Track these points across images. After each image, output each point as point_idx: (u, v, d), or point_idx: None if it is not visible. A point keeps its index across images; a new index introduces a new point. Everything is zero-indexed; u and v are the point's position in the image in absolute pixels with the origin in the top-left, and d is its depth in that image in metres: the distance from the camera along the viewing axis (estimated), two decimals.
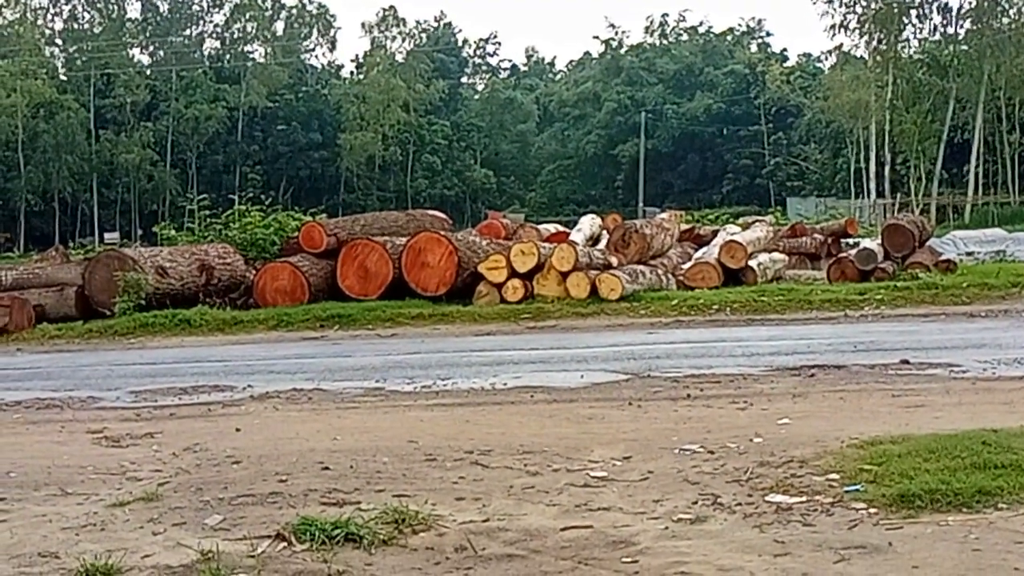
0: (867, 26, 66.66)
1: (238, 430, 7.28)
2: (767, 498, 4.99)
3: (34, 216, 75.62)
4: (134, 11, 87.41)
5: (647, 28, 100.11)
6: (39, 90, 74.00)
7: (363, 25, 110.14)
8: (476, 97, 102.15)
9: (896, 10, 65.80)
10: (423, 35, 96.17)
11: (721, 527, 4.61)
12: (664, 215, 23.02)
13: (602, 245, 18.67)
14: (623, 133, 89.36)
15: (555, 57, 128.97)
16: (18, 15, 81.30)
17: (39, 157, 74.54)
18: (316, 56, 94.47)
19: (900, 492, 4.79)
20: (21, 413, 8.69)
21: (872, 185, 64.30)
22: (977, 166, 63.60)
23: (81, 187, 77.80)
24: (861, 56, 69.98)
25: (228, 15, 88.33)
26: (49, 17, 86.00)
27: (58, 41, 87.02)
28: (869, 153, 65.81)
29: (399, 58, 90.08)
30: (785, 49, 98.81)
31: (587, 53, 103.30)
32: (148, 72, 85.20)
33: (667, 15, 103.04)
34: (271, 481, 5.69)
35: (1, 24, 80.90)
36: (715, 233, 21.25)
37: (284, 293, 16.76)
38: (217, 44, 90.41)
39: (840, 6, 66.96)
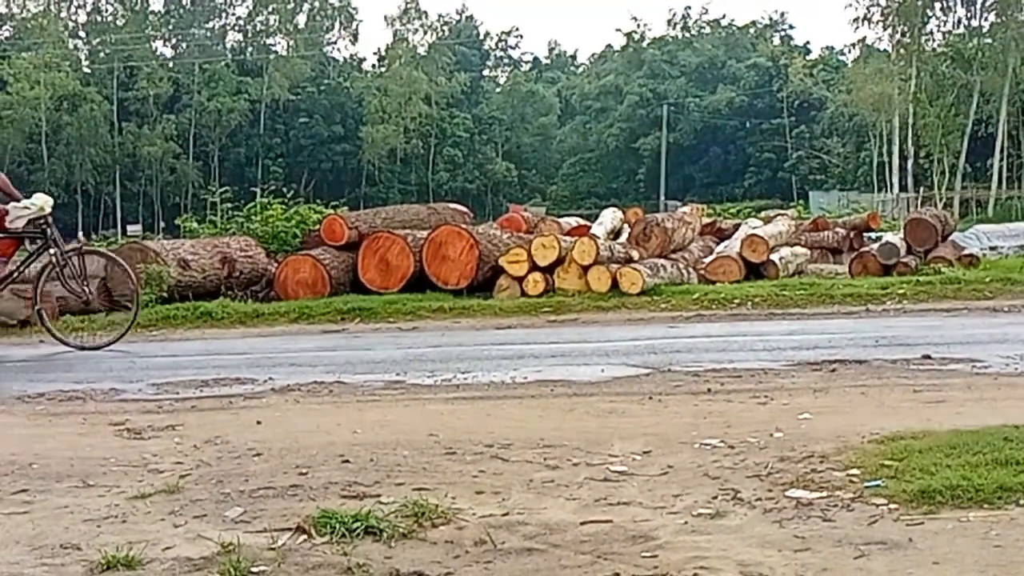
0: (890, 19, 66.50)
1: (259, 423, 7.30)
2: (787, 493, 4.98)
3: (57, 208, 75.24)
4: (157, 3, 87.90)
5: (669, 21, 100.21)
6: (62, 82, 74.43)
7: (385, 18, 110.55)
8: (498, 90, 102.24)
9: (920, 3, 65.58)
10: (445, 28, 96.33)
11: (741, 522, 4.61)
12: (686, 209, 23.01)
13: (623, 239, 18.65)
14: (645, 126, 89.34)
15: (577, 50, 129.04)
16: (42, 7, 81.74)
17: (62, 149, 74.97)
18: (338, 49, 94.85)
19: (921, 488, 4.77)
20: (44, 405, 8.73)
21: (895, 179, 64.13)
22: (1001, 160, 63.36)
23: (104, 179, 78.22)
24: (884, 49, 69.85)
25: (251, 8, 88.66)
26: (73, 9, 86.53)
27: (81, 34, 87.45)
28: (892, 147, 65.63)
29: (421, 51, 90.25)
30: (808, 42, 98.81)
31: (609, 46, 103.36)
32: (171, 64, 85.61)
33: (689, 8, 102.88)
34: (291, 474, 5.71)
35: (25, 17, 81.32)
36: (737, 227, 21.22)
37: (305, 286, 16.80)
38: (239, 37, 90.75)
39: None
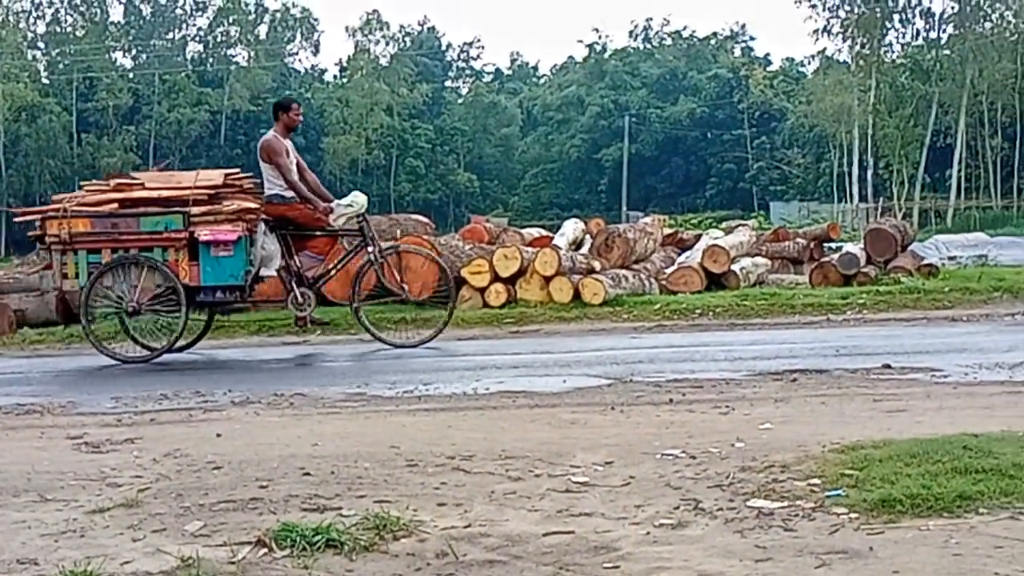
0: (850, 30, 67.05)
1: (219, 436, 7.25)
2: (749, 503, 4.99)
3: (16, 220, 75.45)
4: (117, 14, 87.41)
5: (631, 33, 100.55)
6: (21, 93, 73.88)
7: (346, 29, 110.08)
8: (460, 101, 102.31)
9: (879, 15, 66.17)
10: (407, 39, 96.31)
11: (702, 532, 4.61)
12: (647, 219, 23.02)
13: (585, 249, 18.65)
14: (607, 137, 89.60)
15: (539, 61, 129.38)
16: (0, 18, 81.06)
17: (20, 160, 74.43)
18: (299, 60, 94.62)
19: (881, 497, 4.79)
20: (0, 419, 8.64)
21: (855, 189, 64.61)
22: (959, 171, 63.96)
23: (63, 190, 76.91)
24: (844, 61, 70.39)
25: (211, 18, 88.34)
26: (32, 20, 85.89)
27: (40, 44, 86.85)
28: (852, 157, 66.13)
29: (383, 62, 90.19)
30: (768, 53, 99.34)
31: (571, 57, 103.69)
32: (131, 75, 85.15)
33: (651, 19, 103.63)
34: (252, 487, 5.67)
35: None
36: (698, 238, 21.26)
37: (266, 297, 16.68)
38: (200, 48, 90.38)
39: (823, 10, 67.38)
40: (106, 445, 7.11)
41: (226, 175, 12.94)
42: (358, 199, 12.76)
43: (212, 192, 12.35)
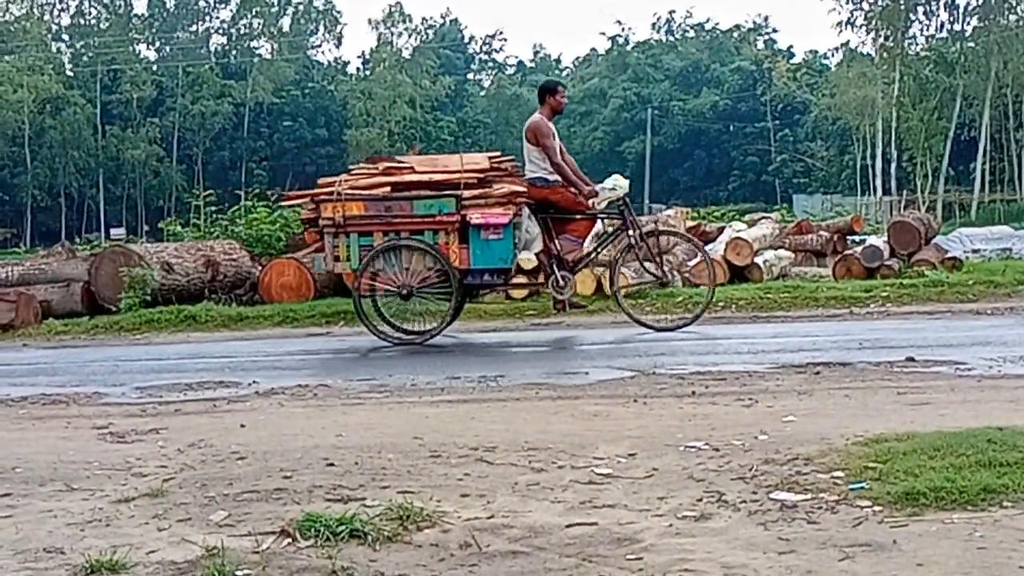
0: (874, 23, 66.71)
1: (243, 426, 7.28)
2: (772, 495, 4.98)
3: (40, 212, 75.88)
4: (140, 7, 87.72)
5: (653, 24, 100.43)
6: (45, 85, 74.24)
7: (369, 21, 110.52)
8: (482, 94, 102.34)
9: (903, 7, 65.82)
10: (429, 31, 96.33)
11: (725, 524, 4.61)
12: (670, 212, 22.98)
13: None
14: (629, 130, 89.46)
15: (561, 54, 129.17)
16: (25, 10, 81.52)
17: (45, 153, 74.80)
18: (322, 52, 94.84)
19: (905, 490, 4.78)
20: (27, 409, 8.70)
21: (878, 182, 64.33)
22: (984, 163, 63.64)
23: (87, 183, 78.05)
24: (868, 53, 70.07)
25: (234, 11, 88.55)
26: (56, 13, 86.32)
27: (65, 37, 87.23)
28: (876, 150, 65.83)
29: (405, 54, 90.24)
30: (791, 46, 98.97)
31: (593, 50, 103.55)
32: (154, 68, 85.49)
33: (673, 11, 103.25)
34: (276, 477, 5.69)
35: (8, 20, 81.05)
36: (721, 230, 21.23)
37: (290, 289, 16.76)
38: (223, 40, 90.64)
39: (847, 3, 67.06)
40: (131, 435, 7.15)
41: (490, 158, 12.96)
42: (620, 182, 12.75)
43: (481, 175, 12.37)
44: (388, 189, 12.30)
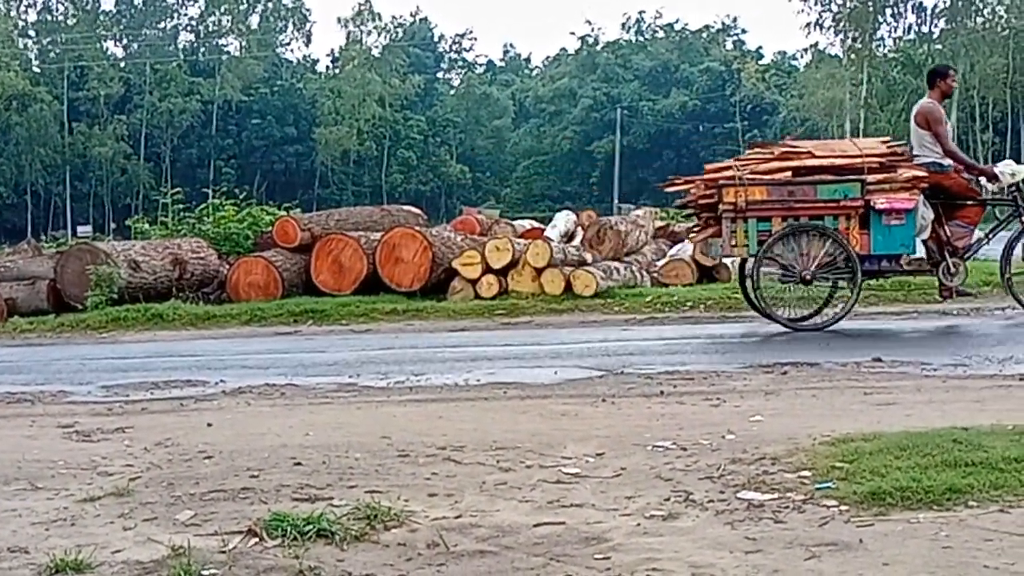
0: (842, 24, 67.05)
1: (210, 425, 7.25)
2: (739, 495, 5.00)
3: (6, 209, 75.37)
4: (108, 3, 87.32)
5: (623, 25, 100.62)
6: (11, 82, 73.74)
7: (339, 19, 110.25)
8: (452, 92, 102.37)
9: (871, 8, 66.17)
10: (399, 30, 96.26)
11: (693, 524, 4.62)
12: (639, 212, 23.05)
13: (577, 241, 18.69)
14: (599, 129, 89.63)
15: (531, 53, 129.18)
16: None
17: (11, 149, 74.29)
18: (291, 50, 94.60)
19: (871, 490, 4.80)
20: None
21: None
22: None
23: (54, 180, 77.58)
24: (836, 54, 70.36)
25: (203, 8, 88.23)
26: (23, 8, 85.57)
27: (31, 33, 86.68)
28: None
29: (375, 53, 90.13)
30: (760, 47, 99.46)
31: (563, 49, 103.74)
32: (122, 65, 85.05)
33: (643, 12, 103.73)
34: (243, 476, 5.67)
35: None
36: (690, 230, 21.28)
37: (258, 288, 16.72)
38: (192, 37, 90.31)
39: (815, 4, 67.39)
40: (97, 434, 7.11)
41: (884, 143, 12.79)
42: (1016, 168, 12.49)
43: (881, 160, 12.18)
44: (789, 174, 12.15)
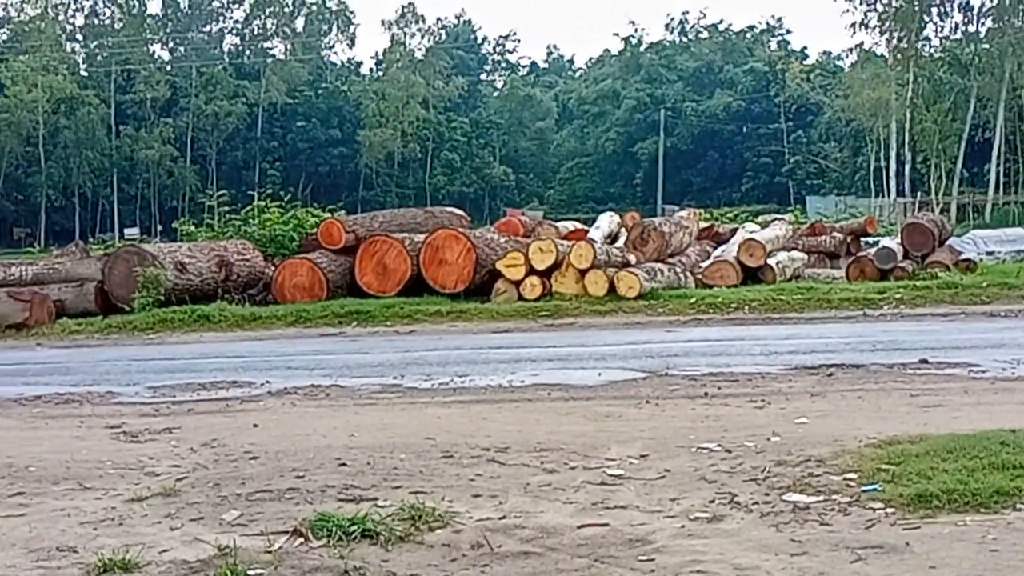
0: (888, 24, 66.45)
1: (256, 426, 7.29)
2: (784, 497, 4.98)
3: (55, 211, 76.03)
4: (155, 7, 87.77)
5: (667, 26, 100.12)
6: (60, 86, 74.37)
7: (383, 22, 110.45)
8: (495, 94, 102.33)
9: (917, 8, 65.59)
10: (442, 32, 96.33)
11: (738, 526, 4.61)
12: (683, 213, 22.98)
13: (620, 243, 18.65)
14: (642, 131, 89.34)
15: (574, 54, 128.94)
16: (39, 10, 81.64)
17: (60, 153, 74.93)
18: (336, 53, 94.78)
19: (918, 492, 4.77)
20: (41, 408, 8.73)
21: (892, 184, 64.12)
22: (998, 165, 63.40)
23: (101, 183, 78.19)
24: (881, 54, 69.78)
25: (248, 11, 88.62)
26: (70, 13, 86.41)
27: (79, 37, 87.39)
28: (889, 152, 65.62)
29: (418, 55, 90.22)
30: (805, 47, 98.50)
31: (607, 50, 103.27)
32: (168, 68, 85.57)
33: (687, 13, 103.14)
34: (288, 477, 5.70)
35: (22, 20, 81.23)
36: (734, 231, 21.21)
37: (303, 289, 16.78)
38: (237, 40, 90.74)
39: (861, 4, 66.78)
40: (144, 435, 7.17)
41: None
42: None
43: None
44: None
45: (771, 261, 17.97)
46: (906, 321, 13.31)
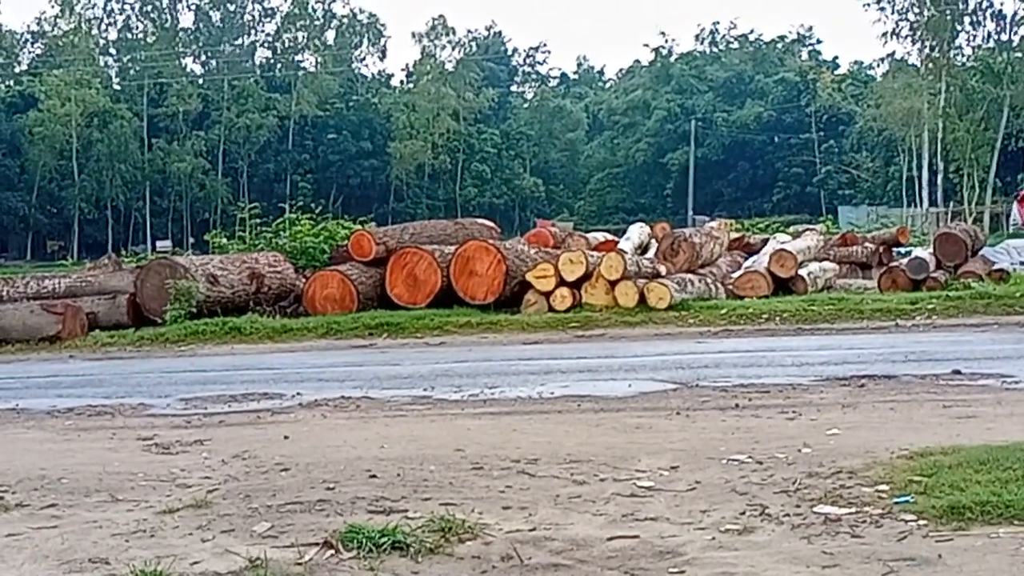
0: (920, 33, 66.22)
1: (287, 437, 7.32)
2: (815, 509, 4.96)
3: (87, 224, 76.52)
4: (187, 21, 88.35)
5: (697, 36, 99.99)
6: (93, 99, 74.96)
7: (413, 34, 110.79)
8: (525, 106, 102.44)
9: (949, 17, 65.34)
10: (473, 44, 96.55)
11: (769, 538, 4.59)
12: (714, 224, 22.93)
13: (651, 254, 18.63)
14: (673, 141, 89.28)
15: (604, 65, 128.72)
16: (73, 25, 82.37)
17: (93, 166, 75.48)
18: (366, 65, 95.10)
19: (950, 504, 4.74)
20: (73, 420, 8.78)
21: (924, 194, 63.87)
22: None
23: (134, 195, 78.67)
24: (913, 64, 69.52)
25: (279, 24, 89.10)
26: (103, 27, 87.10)
27: (112, 51, 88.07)
28: (921, 161, 65.35)
29: (449, 67, 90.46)
30: (836, 57, 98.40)
31: (637, 61, 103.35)
32: (200, 81, 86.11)
33: (717, 23, 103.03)
34: (319, 489, 5.72)
35: (56, 34, 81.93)
36: (765, 242, 21.15)
37: (333, 301, 16.83)
38: (268, 53, 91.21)
39: (892, 13, 66.58)
40: (176, 446, 7.21)
41: None
42: None
43: None
44: None
45: (802, 272, 17.91)
46: (938, 332, 13.23)
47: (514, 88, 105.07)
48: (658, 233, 20.68)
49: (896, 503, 4.93)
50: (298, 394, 9.63)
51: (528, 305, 16.09)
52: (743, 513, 4.98)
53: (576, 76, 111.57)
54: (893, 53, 73.21)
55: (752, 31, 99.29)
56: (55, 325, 15.66)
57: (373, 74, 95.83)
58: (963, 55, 68.63)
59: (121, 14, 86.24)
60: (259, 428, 7.94)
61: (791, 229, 25.61)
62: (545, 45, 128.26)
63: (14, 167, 72.89)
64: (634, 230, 21.34)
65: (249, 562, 4.41)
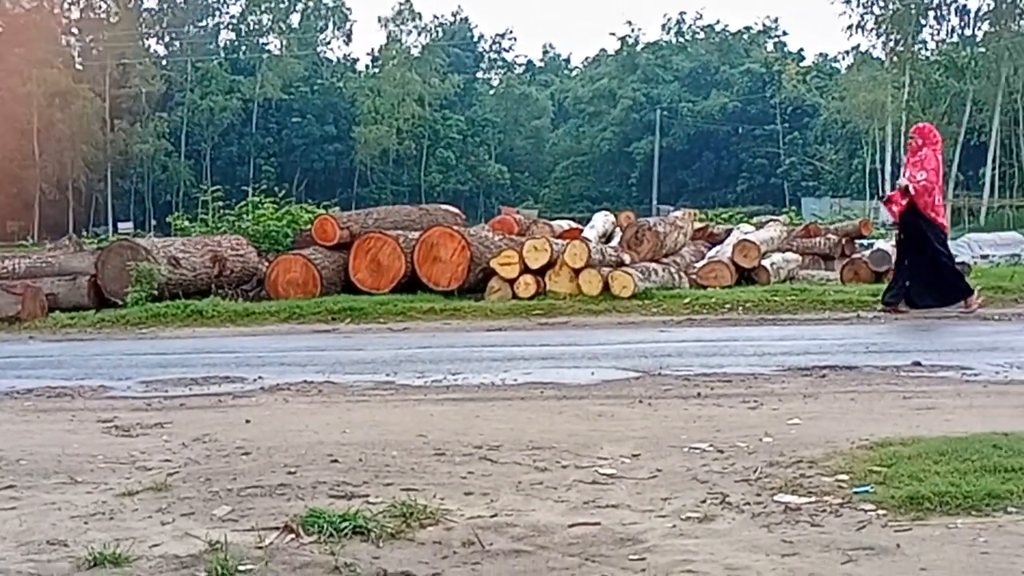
0: (884, 27, 66.66)
1: (248, 421, 7.29)
2: (776, 498, 4.98)
3: (48, 205, 75.93)
4: (151, 1, 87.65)
5: (663, 26, 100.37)
6: (55, 79, 74.31)
7: (379, 19, 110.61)
8: (491, 92, 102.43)
9: (913, 11, 65.77)
10: (439, 29, 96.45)
11: (729, 526, 4.61)
12: (678, 213, 22.98)
13: (615, 242, 18.65)
14: (638, 130, 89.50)
15: (571, 54, 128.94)
16: (35, 3, 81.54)
17: (54, 146, 74.88)
18: (331, 49, 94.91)
19: (909, 494, 4.77)
20: (32, 401, 8.72)
21: (887, 186, 64.27)
22: (993, 169, 63.58)
23: (95, 177, 78.12)
24: (878, 57, 69.96)
25: (244, 6, 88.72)
26: (66, 6, 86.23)
27: (74, 30, 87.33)
28: (885, 154, 65.79)
29: (414, 52, 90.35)
30: (802, 49, 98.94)
31: (603, 50, 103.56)
32: (163, 63, 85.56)
33: (684, 13, 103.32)
34: (280, 473, 5.70)
35: (18, 13, 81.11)
36: (729, 232, 21.22)
37: (296, 285, 16.78)
38: (232, 35, 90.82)
39: (857, 6, 67.01)
40: (136, 429, 7.16)
41: None
42: None
43: None
44: None
45: (765, 262, 17.99)
46: (899, 323, 13.31)
47: (480, 75, 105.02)
48: (622, 222, 20.72)
49: (856, 493, 4.96)
50: (260, 378, 9.58)
51: (492, 292, 16.10)
52: (704, 501, 5.00)
53: (542, 64, 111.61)
54: (858, 46, 73.78)
55: (718, 22, 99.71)
56: (14, 306, 15.53)
57: (338, 58, 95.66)
58: (927, 49, 69.19)
59: None
60: (220, 411, 7.90)
61: (755, 220, 25.71)
62: (511, 32, 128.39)
63: None
64: (598, 218, 21.37)
65: (209, 545, 4.39)
